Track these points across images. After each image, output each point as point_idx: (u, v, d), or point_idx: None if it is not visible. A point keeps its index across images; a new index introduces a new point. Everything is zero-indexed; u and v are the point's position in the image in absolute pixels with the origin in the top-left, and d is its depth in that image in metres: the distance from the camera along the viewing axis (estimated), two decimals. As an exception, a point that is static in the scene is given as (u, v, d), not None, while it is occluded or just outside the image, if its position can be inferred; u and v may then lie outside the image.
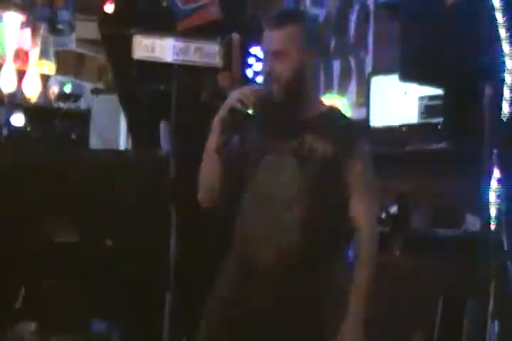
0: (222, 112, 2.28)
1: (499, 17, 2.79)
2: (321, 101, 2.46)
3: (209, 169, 2.34)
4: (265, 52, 2.33)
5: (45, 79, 5.70)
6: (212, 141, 2.30)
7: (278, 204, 2.28)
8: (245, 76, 4.64)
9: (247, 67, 4.63)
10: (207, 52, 4.40)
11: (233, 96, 2.27)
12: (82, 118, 5.76)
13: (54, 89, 5.80)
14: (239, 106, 2.23)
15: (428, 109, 3.91)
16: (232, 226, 2.41)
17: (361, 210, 2.31)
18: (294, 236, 2.27)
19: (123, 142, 6.43)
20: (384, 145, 4.09)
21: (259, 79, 4.58)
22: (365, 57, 4.44)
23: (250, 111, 2.26)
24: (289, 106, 2.33)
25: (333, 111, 2.45)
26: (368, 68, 4.41)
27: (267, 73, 2.30)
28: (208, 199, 2.40)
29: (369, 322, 2.37)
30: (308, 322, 2.30)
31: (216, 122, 2.29)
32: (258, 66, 4.61)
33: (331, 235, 2.33)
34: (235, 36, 4.61)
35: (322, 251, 2.32)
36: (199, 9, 4.73)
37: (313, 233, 2.28)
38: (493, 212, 2.91)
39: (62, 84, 5.89)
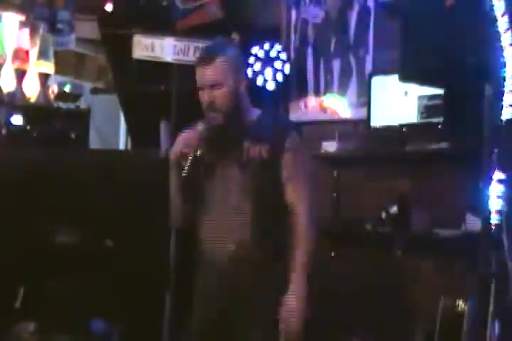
0: (173, 156, 2.67)
1: (499, 17, 2.79)
2: (253, 110, 2.76)
3: (173, 197, 2.76)
4: (201, 86, 2.63)
5: (45, 78, 5.69)
6: (172, 178, 2.73)
7: (228, 209, 2.63)
8: (245, 76, 4.63)
9: (247, 67, 4.62)
10: (207, 52, 4.39)
11: (178, 143, 2.65)
12: (81, 118, 5.75)
13: (53, 89, 5.79)
14: (186, 150, 2.59)
15: (428, 108, 3.91)
16: None
17: (295, 196, 2.63)
18: (242, 235, 2.60)
19: (123, 142, 6.43)
20: (384, 145, 4.10)
21: (260, 79, 4.59)
22: (365, 57, 4.44)
23: (198, 152, 2.59)
24: (230, 125, 2.64)
25: (264, 116, 2.77)
26: (368, 68, 4.41)
27: (208, 104, 2.61)
28: (176, 222, 2.90)
29: (310, 299, 2.63)
30: (262, 312, 2.61)
31: (171, 165, 2.70)
32: (258, 66, 4.61)
33: (275, 224, 2.64)
34: (235, 36, 4.61)
35: (270, 244, 2.63)
36: (199, 9, 4.73)
37: (262, 229, 2.62)
38: (493, 212, 2.91)
39: (61, 84, 5.89)
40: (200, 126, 2.66)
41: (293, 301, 2.59)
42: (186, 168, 2.59)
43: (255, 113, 2.75)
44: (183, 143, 2.63)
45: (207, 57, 2.64)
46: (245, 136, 2.66)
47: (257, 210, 2.61)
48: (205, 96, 2.63)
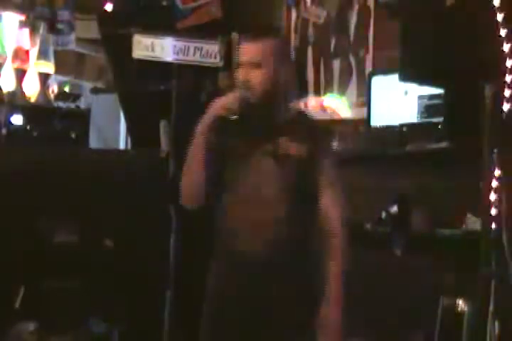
0: (208, 119, 2.49)
1: (499, 17, 2.79)
2: (292, 106, 2.66)
3: (193, 171, 2.53)
4: (242, 63, 2.52)
5: (45, 78, 5.69)
6: (198, 145, 2.51)
7: (257, 204, 2.49)
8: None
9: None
10: (207, 52, 4.40)
11: (219, 104, 2.48)
12: (81, 118, 5.73)
13: (53, 89, 5.79)
14: (225, 113, 2.44)
15: (428, 108, 3.90)
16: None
17: (331, 203, 2.57)
18: (271, 233, 2.48)
19: (123, 142, 6.42)
20: (384, 145, 4.09)
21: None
22: (365, 56, 4.44)
23: (234, 117, 2.45)
24: (264, 112, 2.53)
25: (303, 115, 2.70)
26: (368, 68, 4.41)
27: (244, 82, 2.50)
28: (191, 199, 2.59)
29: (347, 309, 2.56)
30: (294, 304, 2.52)
31: (201, 128, 2.50)
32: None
33: (308, 227, 2.55)
34: (235, 36, 4.61)
35: (300, 244, 2.54)
36: (199, 9, 4.74)
37: (290, 229, 2.50)
38: (493, 211, 2.91)
39: (61, 84, 5.88)
40: (238, 93, 2.51)
41: (331, 312, 2.49)
42: (217, 134, 2.46)
43: (293, 110, 2.65)
44: (222, 106, 2.47)
45: (255, 34, 2.54)
46: (282, 129, 2.55)
47: (291, 208, 2.50)
48: (241, 74, 2.51)
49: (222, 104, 2.46)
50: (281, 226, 2.49)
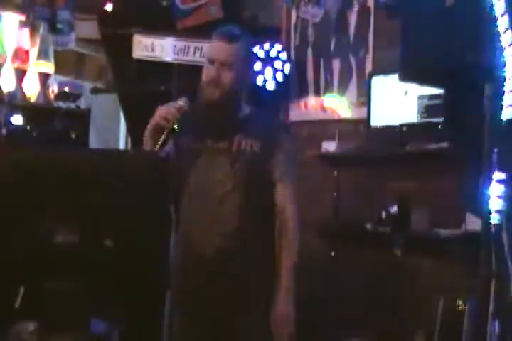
0: (150, 128, 2.60)
1: (499, 16, 2.79)
2: (245, 106, 2.77)
3: None
4: (212, 61, 2.63)
5: (45, 78, 5.69)
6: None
7: (213, 200, 2.61)
8: (250, 75, 4.63)
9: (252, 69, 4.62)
10: (207, 52, 4.40)
11: (158, 114, 2.59)
12: (81, 118, 5.74)
13: (53, 89, 5.79)
14: (164, 123, 2.54)
15: (428, 108, 3.91)
16: None
17: (284, 197, 2.65)
18: (228, 226, 2.59)
19: (123, 142, 6.43)
20: (384, 145, 4.10)
21: (260, 79, 4.58)
22: (365, 57, 4.44)
23: (175, 127, 2.55)
24: (224, 109, 2.64)
25: (258, 113, 2.81)
26: (368, 68, 4.41)
27: (213, 79, 2.61)
28: None
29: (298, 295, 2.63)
30: (249, 292, 2.64)
31: (146, 136, 2.62)
32: (258, 66, 4.61)
33: (261, 221, 2.65)
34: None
35: (253, 237, 2.63)
36: (199, 9, 4.74)
37: (246, 222, 2.61)
38: (493, 212, 2.91)
39: (61, 84, 5.88)
40: (181, 102, 2.62)
41: (283, 302, 2.57)
42: (160, 141, 2.53)
43: (247, 108, 2.76)
44: (161, 116, 2.58)
45: (229, 36, 2.65)
46: (237, 127, 2.66)
47: (243, 204, 2.61)
48: (212, 71, 2.62)
49: (161, 114, 2.57)
50: (235, 222, 2.59)
